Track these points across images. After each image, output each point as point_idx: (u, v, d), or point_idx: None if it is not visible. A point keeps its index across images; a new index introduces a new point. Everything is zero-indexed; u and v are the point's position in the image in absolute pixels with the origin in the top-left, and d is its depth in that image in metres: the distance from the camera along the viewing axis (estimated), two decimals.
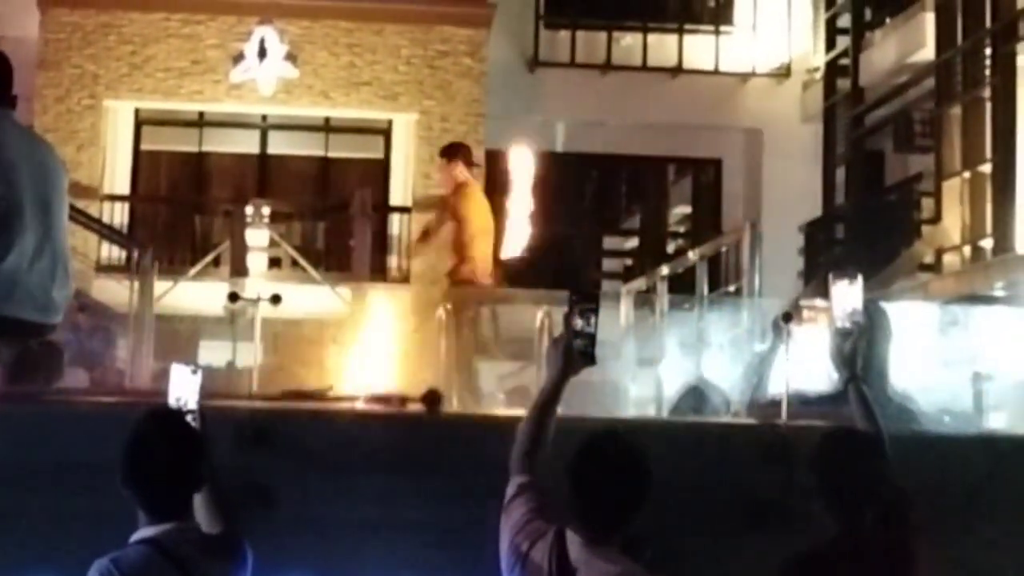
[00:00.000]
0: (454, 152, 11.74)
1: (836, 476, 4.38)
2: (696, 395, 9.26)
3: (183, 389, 4.44)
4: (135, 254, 11.92)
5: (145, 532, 4.15)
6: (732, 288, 10.73)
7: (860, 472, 4.38)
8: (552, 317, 10.15)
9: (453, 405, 8.77)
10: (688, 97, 21.66)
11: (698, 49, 22.21)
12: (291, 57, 20.35)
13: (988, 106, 16.57)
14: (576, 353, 4.43)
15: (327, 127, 21.53)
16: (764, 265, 9.79)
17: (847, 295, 4.71)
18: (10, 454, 4.96)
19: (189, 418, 4.40)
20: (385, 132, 21.31)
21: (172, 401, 4.42)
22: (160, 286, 12.52)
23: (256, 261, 16.37)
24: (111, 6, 20.39)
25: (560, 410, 4.46)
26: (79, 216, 12.08)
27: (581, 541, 4.10)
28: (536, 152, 18.71)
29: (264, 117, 21.38)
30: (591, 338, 4.42)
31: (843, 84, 20.92)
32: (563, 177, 22.12)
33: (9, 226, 5.39)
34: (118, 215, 20.01)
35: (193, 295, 15.23)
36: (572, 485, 4.12)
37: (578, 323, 4.42)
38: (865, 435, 4.57)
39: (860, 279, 4.75)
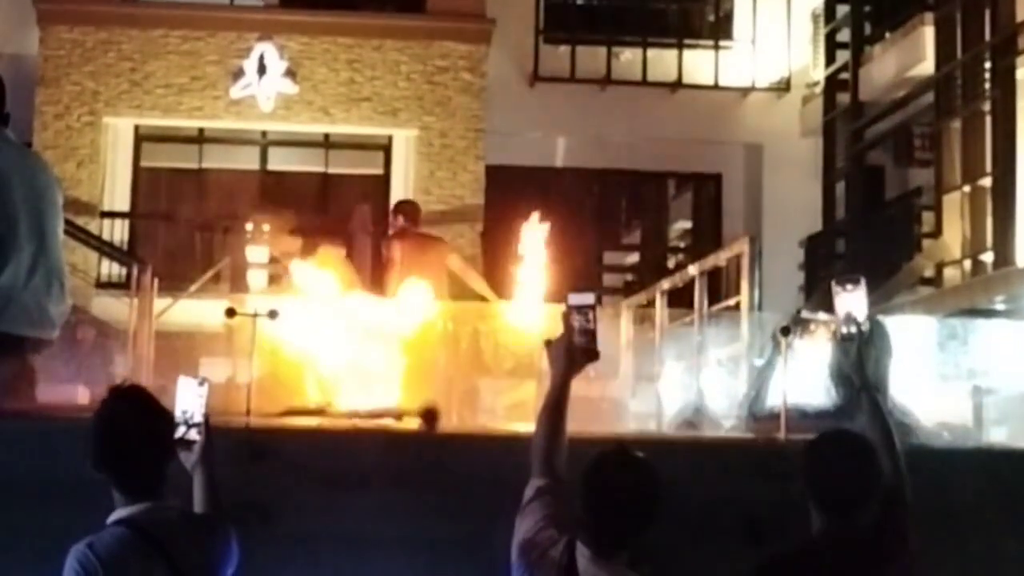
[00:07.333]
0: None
1: (825, 479, 4.37)
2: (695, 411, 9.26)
3: (189, 402, 4.43)
4: (135, 271, 11.90)
5: (120, 512, 4.13)
6: (732, 302, 10.71)
7: (850, 474, 4.35)
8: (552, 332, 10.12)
9: (452, 421, 8.75)
10: (688, 112, 21.68)
11: (698, 64, 22.23)
12: (291, 73, 20.36)
13: (988, 120, 16.59)
14: (578, 350, 4.43)
15: (327, 143, 21.55)
16: (764, 279, 9.79)
17: (851, 301, 4.68)
18: (7, 469, 4.95)
19: (194, 431, 4.39)
20: (385, 148, 21.32)
21: (178, 414, 4.39)
22: (160, 303, 12.50)
23: (256, 277, 16.36)
24: (111, 23, 20.43)
25: None
26: (78, 233, 12.09)
27: (589, 554, 4.10)
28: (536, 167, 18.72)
29: (264, 133, 21.41)
30: (591, 334, 4.42)
31: (843, 98, 20.95)
32: (563, 192, 22.12)
33: (2, 242, 5.38)
34: (118, 232, 20.05)
35: (193, 312, 15.21)
36: (583, 499, 4.11)
37: (577, 320, 4.42)
38: (854, 436, 4.54)
39: (863, 283, 4.72)
